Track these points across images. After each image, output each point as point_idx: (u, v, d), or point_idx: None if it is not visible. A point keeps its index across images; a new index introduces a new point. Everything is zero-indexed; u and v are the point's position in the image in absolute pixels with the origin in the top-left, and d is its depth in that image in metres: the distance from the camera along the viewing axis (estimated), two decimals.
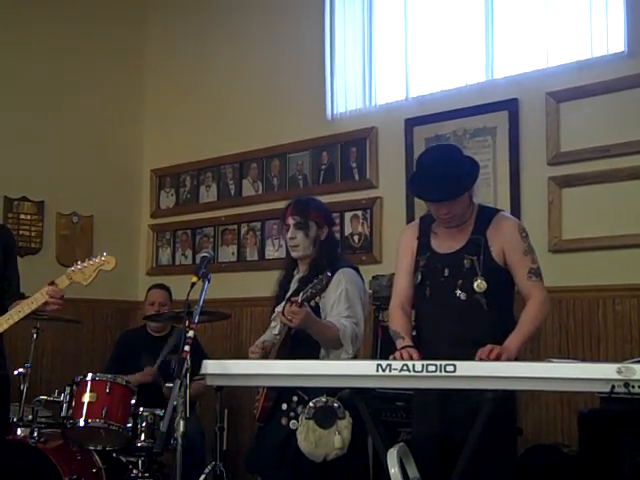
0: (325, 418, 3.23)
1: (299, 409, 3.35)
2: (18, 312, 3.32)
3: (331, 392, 3.24)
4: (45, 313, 3.58)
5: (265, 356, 3.55)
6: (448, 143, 3.31)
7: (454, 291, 3.02)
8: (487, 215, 3.11)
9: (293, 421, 3.36)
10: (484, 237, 3.03)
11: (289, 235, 3.56)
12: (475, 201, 3.15)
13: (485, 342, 2.85)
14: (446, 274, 3.06)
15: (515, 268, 3.02)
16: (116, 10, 6.45)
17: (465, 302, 3.01)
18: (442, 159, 3.08)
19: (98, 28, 6.28)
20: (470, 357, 2.71)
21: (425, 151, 3.30)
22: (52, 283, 3.33)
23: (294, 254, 3.59)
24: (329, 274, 3.18)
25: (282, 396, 3.41)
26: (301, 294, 3.20)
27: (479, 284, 2.97)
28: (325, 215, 3.67)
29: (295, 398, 3.38)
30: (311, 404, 3.25)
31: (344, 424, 3.23)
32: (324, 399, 3.24)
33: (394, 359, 2.90)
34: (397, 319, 3.21)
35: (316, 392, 3.27)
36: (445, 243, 3.11)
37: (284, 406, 3.41)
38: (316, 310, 3.40)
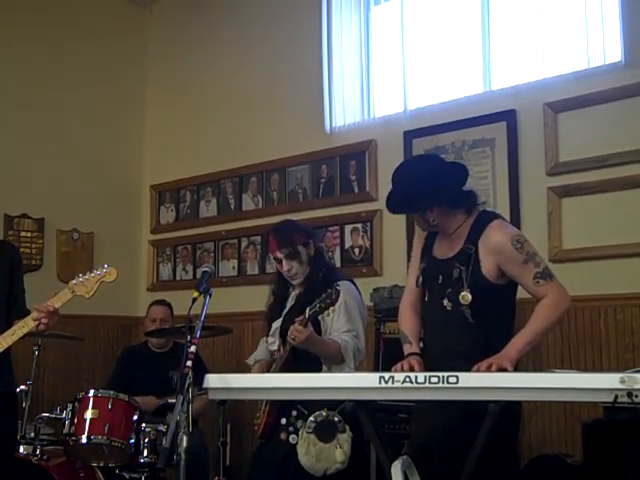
0: (326, 432, 3.23)
1: (298, 423, 3.35)
2: (11, 335, 3.32)
3: (331, 406, 3.24)
4: (42, 332, 3.56)
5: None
6: (427, 154, 3.20)
7: (442, 300, 2.95)
8: (482, 223, 2.97)
9: (293, 435, 3.36)
10: (475, 247, 2.92)
11: (285, 268, 3.57)
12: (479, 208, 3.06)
13: (469, 355, 2.80)
14: (440, 281, 2.98)
15: (520, 280, 2.89)
16: (115, 28, 6.49)
17: (450, 312, 2.93)
18: (406, 175, 3.03)
19: (98, 45, 6.31)
20: (453, 370, 2.56)
21: (400, 165, 3.25)
22: (40, 305, 3.33)
23: (295, 282, 3.61)
24: (338, 288, 3.16)
25: (282, 411, 3.41)
26: (308, 309, 3.20)
27: (464, 296, 2.88)
28: (306, 233, 3.68)
29: (294, 412, 3.38)
30: (312, 418, 3.25)
31: (344, 438, 3.24)
32: (325, 413, 3.25)
33: (395, 371, 2.90)
34: (406, 319, 3.15)
35: (315, 406, 3.28)
36: (443, 249, 3.04)
37: (283, 420, 3.42)
38: (316, 324, 3.41)
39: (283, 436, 3.40)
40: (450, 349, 2.92)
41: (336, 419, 3.24)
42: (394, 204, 3.09)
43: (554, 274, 2.89)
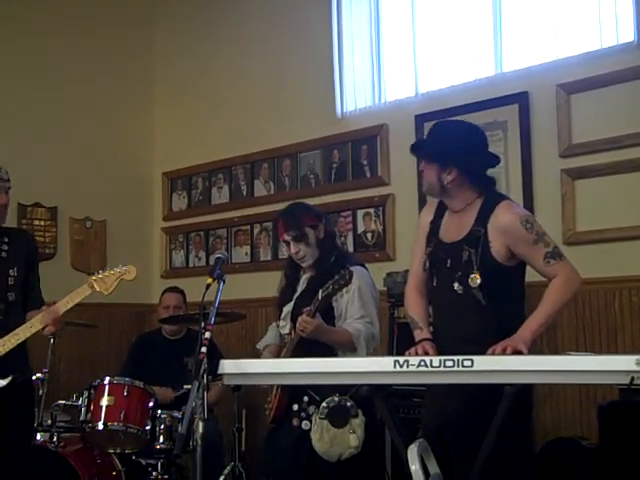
0: (339, 417, 3.24)
1: (310, 409, 3.36)
2: (15, 336, 3.36)
3: (343, 391, 3.24)
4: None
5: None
6: (479, 126, 3.17)
7: (453, 283, 2.92)
8: (490, 204, 2.94)
9: (305, 421, 3.38)
10: (484, 229, 2.89)
11: (292, 251, 3.58)
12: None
13: (479, 339, 2.80)
14: (448, 265, 2.95)
15: (530, 260, 2.88)
16: (124, 19, 6.49)
17: (461, 296, 2.91)
18: (452, 127, 3.11)
19: (107, 34, 6.30)
20: (462, 354, 2.55)
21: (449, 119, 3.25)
22: (53, 303, 3.36)
23: (304, 265, 3.61)
24: (351, 269, 3.15)
25: (293, 397, 3.41)
26: (320, 291, 3.20)
27: (473, 279, 2.85)
28: (315, 214, 3.67)
29: (306, 398, 3.40)
30: (324, 404, 3.26)
31: (357, 422, 3.24)
32: (337, 398, 3.25)
33: (409, 355, 2.89)
34: (413, 304, 3.13)
35: (327, 391, 3.28)
36: (451, 232, 3.01)
37: (295, 407, 3.43)
38: (330, 310, 3.41)
39: (295, 422, 3.41)
40: (460, 333, 2.91)
41: (348, 404, 3.24)
42: (422, 143, 3.09)
43: (563, 254, 2.87)
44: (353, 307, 3.42)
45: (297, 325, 3.31)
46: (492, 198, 2.98)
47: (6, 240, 3.56)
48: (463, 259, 2.91)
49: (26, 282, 3.55)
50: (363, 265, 3.61)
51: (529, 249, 2.86)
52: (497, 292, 2.87)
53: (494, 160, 3.07)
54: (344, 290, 3.23)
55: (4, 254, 3.53)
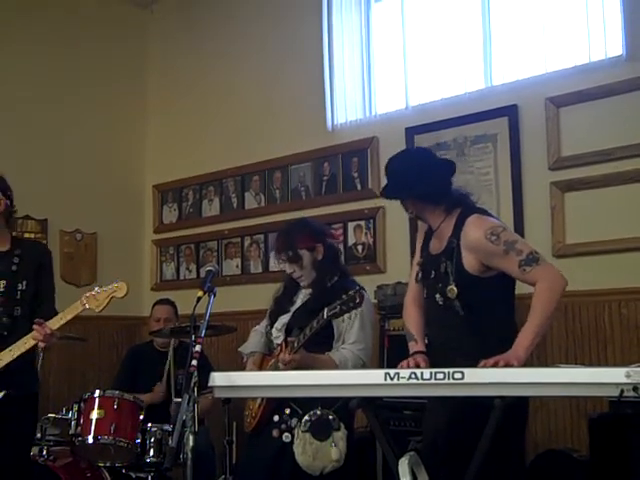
0: (321, 430, 3.24)
1: (292, 422, 3.35)
2: (10, 352, 3.40)
3: (325, 404, 3.24)
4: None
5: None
6: (420, 149, 3.24)
7: (435, 295, 2.97)
8: (463, 218, 2.95)
9: (286, 434, 3.36)
10: (457, 241, 2.93)
11: (288, 271, 3.59)
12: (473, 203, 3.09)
13: (464, 348, 2.83)
14: (432, 276, 3.01)
15: (507, 271, 2.86)
16: (116, 28, 6.50)
17: (441, 307, 2.95)
18: (394, 164, 3.12)
19: (99, 47, 6.32)
20: (452, 364, 2.58)
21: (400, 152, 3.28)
22: (39, 324, 3.38)
23: (302, 284, 3.61)
24: (363, 292, 3.13)
25: (276, 408, 3.41)
26: (326, 310, 3.14)
27: (450, 289, 2.89)
28: (313, 235, 3.63)
29: (288, 410, 3.38)
30: (307, 417, 3.26)
31: (340, 435, 3.24)
32: (319, 412, 3.25)
33: (401, 367, 2.90)
34: (409, 316, 3.16)
35: (309, 404, 3.28)
36: (435, 244, 3.06)
37: (276, 418, 3.41)
38: (328, 327, 3.39)
39: (275, 433, 3.39)
40: (447, 343, 2.95)
41: (330, 417, 3.24)
42: (383, 187, 3.17)
43: (541, 257, 2.83)
44: (351, 331, 3.41)
45: (280, 358, 3.33)
46: (465, 212, 2.99)
47: (18, 253, 3.60)
48: (441, 271, 2.95)
49: (35, 294, 3.57)
50: (362, 288, 3.59)
51: (501, 261, 2.85)
52: (475, 302, 2.90)
53: (448, 171, 3.09)
54: (353, 312, 3.20)
55: (14, 267, 3.56)
